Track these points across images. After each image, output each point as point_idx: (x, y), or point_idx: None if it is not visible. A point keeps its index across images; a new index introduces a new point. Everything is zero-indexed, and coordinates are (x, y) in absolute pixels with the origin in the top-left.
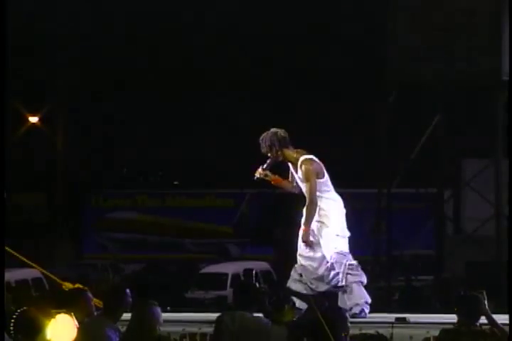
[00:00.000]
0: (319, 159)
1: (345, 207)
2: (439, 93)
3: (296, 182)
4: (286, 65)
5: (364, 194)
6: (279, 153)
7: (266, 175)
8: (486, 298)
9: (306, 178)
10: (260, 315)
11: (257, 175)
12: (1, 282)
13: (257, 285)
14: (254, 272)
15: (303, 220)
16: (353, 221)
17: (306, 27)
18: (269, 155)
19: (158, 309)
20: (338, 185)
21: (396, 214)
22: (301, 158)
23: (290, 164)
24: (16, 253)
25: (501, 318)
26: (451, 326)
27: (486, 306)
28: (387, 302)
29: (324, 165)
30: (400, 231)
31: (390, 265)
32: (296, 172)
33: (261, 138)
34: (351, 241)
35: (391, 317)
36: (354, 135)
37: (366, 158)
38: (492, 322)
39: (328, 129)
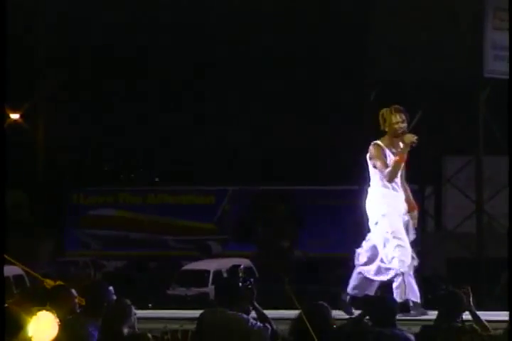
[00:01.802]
0: (304, 158)
1: (329, 204)
2: (421, 91)
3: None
4: (266, 65)
5: (346, 191)
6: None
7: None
8: (471, 294)
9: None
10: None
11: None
12: (1, 282)
13: (241, 282)
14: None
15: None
16: (335, 218)
17: (290, 27)
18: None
19: (129, 307)
20: (324, 182)
21: None
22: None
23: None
24: None
25: (483, 314)
26: (432, 323)
27: (471, 302)
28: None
29: (309, 163)
30: None
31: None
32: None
33: (404, 117)
34: (334, 238)
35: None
36: (336, 133)
37: (349, 156)
38: (476, 318)
39: (312, 128)
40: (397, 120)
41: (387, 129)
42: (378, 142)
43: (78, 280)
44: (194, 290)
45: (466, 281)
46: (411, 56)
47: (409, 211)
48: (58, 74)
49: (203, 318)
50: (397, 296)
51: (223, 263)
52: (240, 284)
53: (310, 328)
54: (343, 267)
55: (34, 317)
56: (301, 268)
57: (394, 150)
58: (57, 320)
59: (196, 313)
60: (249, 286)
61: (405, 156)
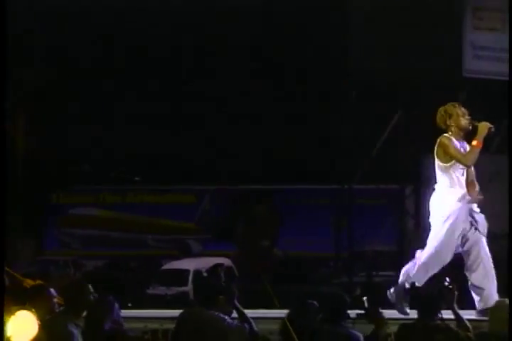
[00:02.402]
0: (282, 157)
1: (308, 203)
2: (400, 90)
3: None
4: (248, 65)
5: (326, 190)
6: None
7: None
8: (455, 292)
9: None
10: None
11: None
12: (1, 282)
13: (221, 281)
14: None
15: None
16: (315, 217)
17: (268, 26)
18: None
19: (111, 303)
20: (302, 182)
21: (357, 210)
22: None
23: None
24: None
25: (466, 313)
26: (410, 321)
27: (454, 301)
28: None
29: (289, 162)
30: (361, 228)
31: (352, 261)
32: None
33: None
34: (314, 237)
35: (352, 313)
36: (316, 133)
37: (328, 155)
38: (457, 317)
39: (290, 128)
40: (464, 112)
41: (453, 124)
42: (447, 135)
43: (58, 279)
44: (174, 290)
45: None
46: (390, 56)
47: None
48: (37, 73)
49: (182, 318)
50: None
51: (203, 263)
52: (221, 284)
53: (291, 328)
54: (323, 266)
55: (13, 317)
56: (281, 267)
57: (462, 143)
58: (37, 320)
59: (176, 312)
60: (230, 286)
61: (482, 142)
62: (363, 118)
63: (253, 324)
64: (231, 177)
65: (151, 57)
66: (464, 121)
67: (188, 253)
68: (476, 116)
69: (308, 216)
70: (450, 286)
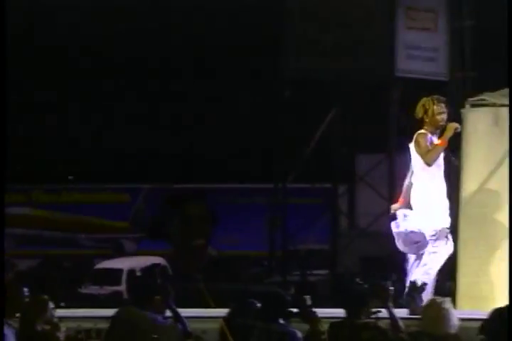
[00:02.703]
0: (217, 156)
1: (242, 202)
2: (334, 90)
3: None
4: (181, 62)
5: (260, 189)
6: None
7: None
8: (390, 291)
9: None
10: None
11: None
12: (1, 283)
13: (155, 281)
14: (156, 267)
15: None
16: (249, 216)
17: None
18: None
19: (45, 303)
20: (236, 180)
21: (291, 209)
22: None
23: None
24: None
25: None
26: (339, 319)
27: (388, 300)
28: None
29: (222, 162)
30: (295, 226)
31: (286, 260)
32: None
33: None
34: (248, 236)
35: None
36: (250, 130)
37: (262, 153)
38: (391, 316)
39: (223, 126)
40: (440, 110)
41: (427, 119)
42: (423, 131)
43: None
44: (107, 289)
45: (379, 279)
46: (324, 55)
47: None
48: None
49: (115, 317)
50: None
51: (137, 262)
52: (155, 283)
53: (226, 329)
54: (257, 265)
55: None
56: (215, 266)
57: (436, 139)
58: None
59: (110, 312)
60: (165, 285)
61: (446, 142)
62: (296, 117)
63: (186, 323)
64: (165, 177)
65: None
66: (438, 119)
67: (121, 252)
68: (409, 115)
69: (242, 215)
70: (384, 285)
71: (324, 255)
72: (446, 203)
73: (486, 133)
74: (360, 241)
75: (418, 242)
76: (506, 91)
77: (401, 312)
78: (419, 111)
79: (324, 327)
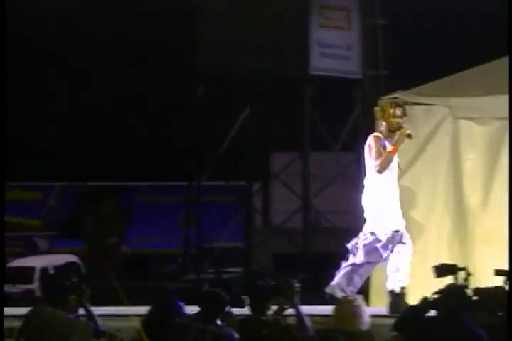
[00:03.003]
0: (130, 154)
1: (156, 200)
2: (248, 87)
3: None
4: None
5: (174, 187)
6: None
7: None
8: (296, 289)
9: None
10: None
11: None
12: (1, 282)
13: (70, 280)
14: (70, 266)
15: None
16: (163, 214)
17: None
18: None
19: None
20: (150, 178)
21: (206, 206)
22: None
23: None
24: None
25: (307, 309)
26: (246, 317)
27: (293, 297)
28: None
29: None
30: (209, 224)
31: (200, 257)
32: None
33: (402, 110)
34: (162, 234)
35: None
36: (160, 128)
37: (177, 151)
38: (297, 313)
39: (130, 126)
40: (397, 114)
41: (384, 122)
42: (377, 133)
43: None
44: (19, 287)
45: (292, 276)
46: (239, 53)
47: None
48: None
49: (28, 316)
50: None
51: (50, 260)
52: (69, 282)
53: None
54: (172, 262)
55: None
56: (129, 264)
57: (391, 142)
58: None
59: (22, 310)
60: (79, 284)
61: (397, 149)
62: (211, 114)
63: (98, 321)
64: (79, 174)
65: None
66: (393, 122)
67: (34, 250)
68: (323, 112)
69: (157, 213)
70: (290, 282)
71: (238, 252)
72: (397, 206)
73: None
74: (274, 238)
75: (375, 247)
76: (419, 89)
77: (310, 310)
78: (376, 114)
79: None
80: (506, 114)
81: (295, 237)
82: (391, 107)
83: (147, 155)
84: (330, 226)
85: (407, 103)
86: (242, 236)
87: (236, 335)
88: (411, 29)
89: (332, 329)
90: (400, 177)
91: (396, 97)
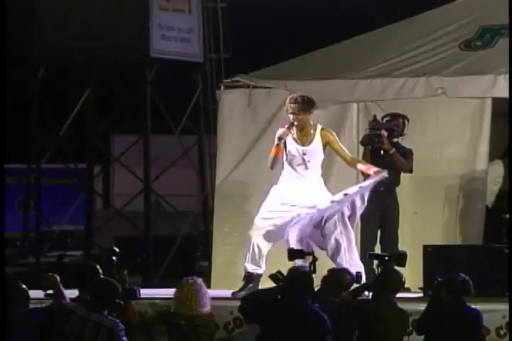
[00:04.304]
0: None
1: None
2: (89, 70)
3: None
4: None
5: (13, 169)
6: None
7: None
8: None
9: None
10: None
11: (284, 136)
12: (1, 282)
13: None
14: None
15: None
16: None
17: None
18: (293, 116)
19: None
20: None
21: (46, 189)
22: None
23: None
24: None
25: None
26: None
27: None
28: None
29: None
30: (49, 207)
31: (39, 241)
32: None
33: (294, 97)
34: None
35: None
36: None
37: (16, 133)
38: None
39: None
40: (289, 111)
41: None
42: (281, 126)
43: None
44: None
45: (133, 259)
46: (79, 34)
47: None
48: None
49: None
50: None
51: None
52: None
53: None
54: (11, 246)
55: None
56: None
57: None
58: None
59: None
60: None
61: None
62: (51, 97)
63: None
64: None
65: None
66: (289, 116)
67: None
68: (165, 96)
69: None
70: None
71: (79, 236)
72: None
73: (240, 114)
74: (115, 221)
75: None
76: (259, 72)
77: (152, 293)
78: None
79: None
80: (347, 98)
81: (136, 220)
82: (288, 102)
83: None
84: (171, 210)
85: (248, 86)
86: (83, 219)
87: (121, 326)
88: (252, 12)
89: (172, 312)
90: (243, 157)
91: (237, 81)
